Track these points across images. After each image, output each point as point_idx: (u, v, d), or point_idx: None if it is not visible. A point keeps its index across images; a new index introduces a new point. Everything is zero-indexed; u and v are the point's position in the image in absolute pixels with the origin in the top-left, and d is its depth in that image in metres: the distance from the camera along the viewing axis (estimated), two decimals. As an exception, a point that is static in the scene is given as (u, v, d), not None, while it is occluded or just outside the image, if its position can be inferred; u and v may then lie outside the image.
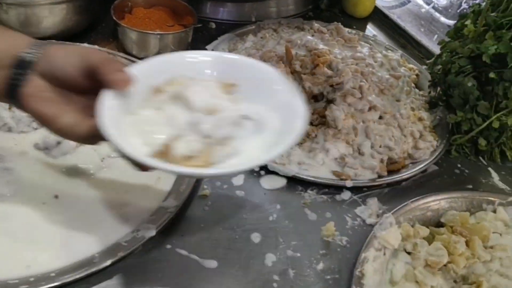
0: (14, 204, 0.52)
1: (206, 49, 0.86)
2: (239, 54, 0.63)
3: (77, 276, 0.46)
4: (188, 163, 0.40)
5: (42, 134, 0.61)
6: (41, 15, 0.76)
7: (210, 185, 0.62)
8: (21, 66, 0.42)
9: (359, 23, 1.05)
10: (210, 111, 0.44)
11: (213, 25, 0.95)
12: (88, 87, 0.43)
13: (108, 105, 0.41)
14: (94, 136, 0.41)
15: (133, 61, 0.77)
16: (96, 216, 0.53)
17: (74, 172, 0.58)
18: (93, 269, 0.47)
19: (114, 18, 0.79)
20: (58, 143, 0.60)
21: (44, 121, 0.42)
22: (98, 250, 0.49)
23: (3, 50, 0.42)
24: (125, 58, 0.78)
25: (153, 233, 0.51)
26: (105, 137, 0.39)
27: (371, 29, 1.06)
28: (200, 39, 0.88)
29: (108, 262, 0.48)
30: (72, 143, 0.60)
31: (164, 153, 0.40)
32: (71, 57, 0.43)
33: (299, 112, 0.45)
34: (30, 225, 0.51)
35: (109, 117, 0.40)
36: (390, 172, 0.69)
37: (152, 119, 0.43)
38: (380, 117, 0.74)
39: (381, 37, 1.02)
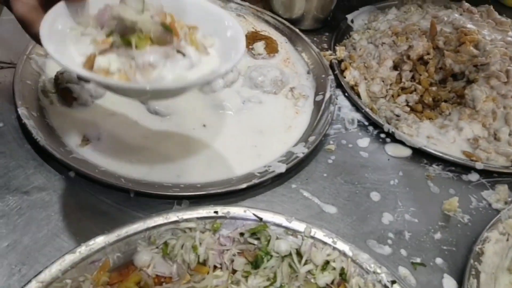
0: (171, 126, 0.61)
1: (346, 18, 0.88)
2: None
3: (218, 191, 0.53)
4: (107, 76, 0.41)
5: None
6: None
7: (336, 141, 0.65)
8: None
9: (509, 12, 0.97)
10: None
11: (356, -4, 0.96)
12: None
13: (55, 15, 0.42)
14: None
15: (278, 20, 0.83)
16: (236, 148, 0.60)
17: (219, 108, 0.66)
18: (231, 188, 0.53)
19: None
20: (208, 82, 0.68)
21: (24, 25, 0.45)
22: (235, 175, 0.56)
23: None
24: (271, 17, 0.83)
25: (283, 169, 0.56)
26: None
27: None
28: (341, 7, 0.89)
29: (243, 186, 0.54)
30: (221, 83, 0.68)
31: (88, 64, 0.41)
32: None
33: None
34: (182, 144, 0.60)
35: (52, 27, 0.41)
36: (527, 164, 0.65)
37: (93, 34, 0.44)
38: (525, 106, 0.69)
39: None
